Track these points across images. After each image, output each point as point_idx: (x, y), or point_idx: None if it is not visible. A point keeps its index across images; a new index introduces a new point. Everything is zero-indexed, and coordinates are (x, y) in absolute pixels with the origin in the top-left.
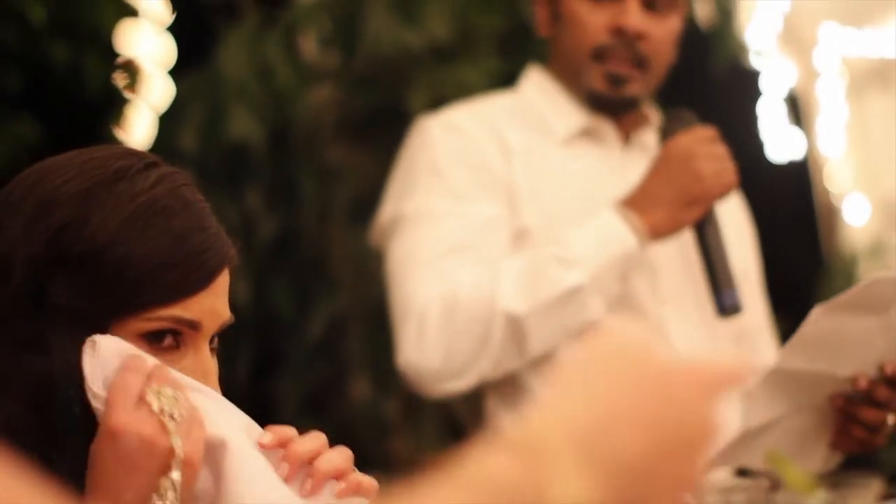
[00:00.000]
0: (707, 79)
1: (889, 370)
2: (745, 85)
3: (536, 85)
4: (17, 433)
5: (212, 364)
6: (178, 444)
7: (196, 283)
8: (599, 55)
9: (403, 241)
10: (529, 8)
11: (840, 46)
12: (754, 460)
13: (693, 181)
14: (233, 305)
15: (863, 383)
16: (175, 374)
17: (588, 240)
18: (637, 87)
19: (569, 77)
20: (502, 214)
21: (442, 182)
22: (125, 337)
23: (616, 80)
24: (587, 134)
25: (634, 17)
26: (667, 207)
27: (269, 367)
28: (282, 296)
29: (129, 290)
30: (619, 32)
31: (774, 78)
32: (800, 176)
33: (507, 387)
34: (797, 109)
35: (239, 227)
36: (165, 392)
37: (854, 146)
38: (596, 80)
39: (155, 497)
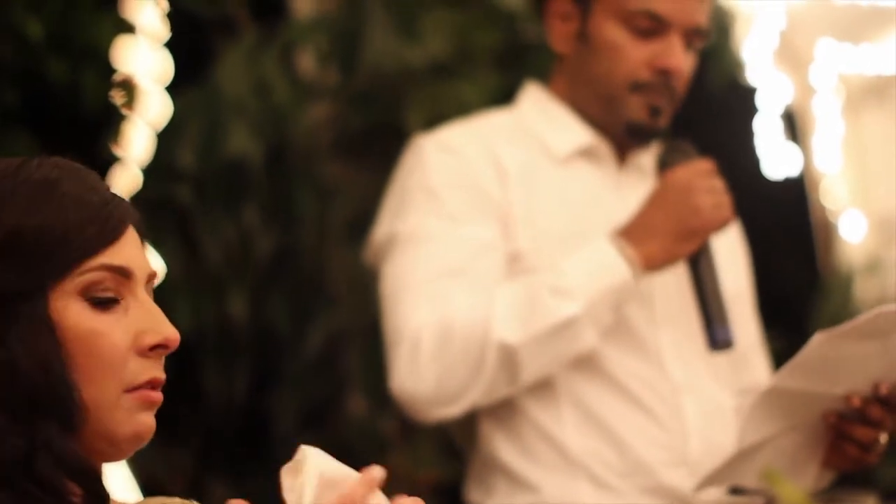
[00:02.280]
0: (704, 95)
1: (883, 390)
2: (742, 101)
3: (535, 102)
4: None
5: (156, 307)
6: None
7: (111, 230)
8: (638, 88)
9: (397, 262)
10: (528, 24)
11: (836, 63)
12: (749, 479)
13: (690, 214)
14: (231, 321)
15: (856, 402)
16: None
17: (583, 269)
18: (666, 118)
19: (583, 98)
20: (497, 237)
21: (436, 203)
22: (67, 301)
23: (655, 112)
24: (585, 153)
25: (679, 59)
26: (663, 240)
27: (266, 384)
28: (279, 312)
29: (53, 256)
30: (662, 72)
31: (771, 94)
32: (796, 192)
33: (502, 410)
34: (793, 126)
35: (237, 243)
36: None
37: (850, 162)
38: (637, 111)
39: None
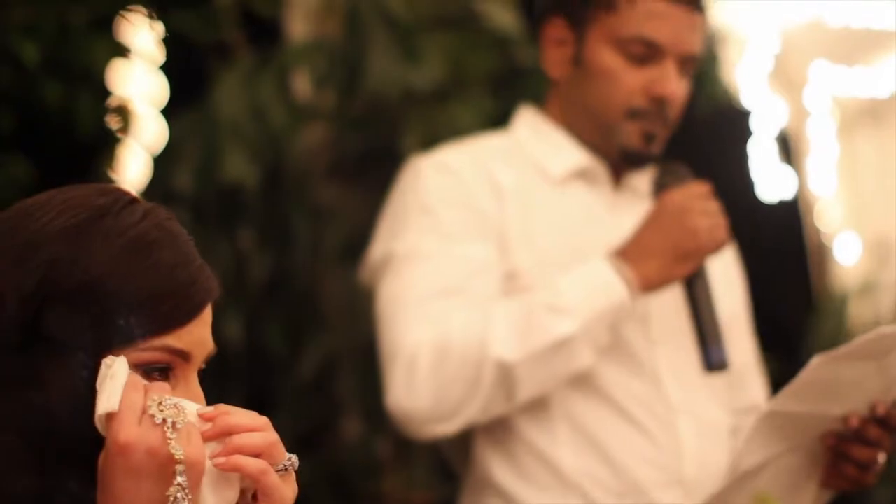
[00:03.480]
0: (698, 119)
1: (880, 410)
2: (736, 124)
3: (530, 125)
4: (16, 470)
5: (201, 394)
6: (179, 450)
7: (186, 313)
8: (634, 115)
9: (394, 281)
10: (523, 48)
11: (831, 85)
12: (748, 499)
13: (687, 236)
14: (225, 344)
15: (854, 422)
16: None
17: (580, 288)
18: (660, 144)
19: (578, 121)
20: (493, 256)
21: (433, 222)
22: None
23: (650, 138)
24: (580, 175)
25: (674, 86)
26: (659, 261)
27: (261, 406)
28: (274, 335)
29: (121, 323)
30: (657, 99)
31: (765, 117)
32: (790, 215)
33: (497, 429)
34: (788, 148)
35: (232, 266)
36: (167, 403)
37: (845, 185)
38: (632, 138)
39: None
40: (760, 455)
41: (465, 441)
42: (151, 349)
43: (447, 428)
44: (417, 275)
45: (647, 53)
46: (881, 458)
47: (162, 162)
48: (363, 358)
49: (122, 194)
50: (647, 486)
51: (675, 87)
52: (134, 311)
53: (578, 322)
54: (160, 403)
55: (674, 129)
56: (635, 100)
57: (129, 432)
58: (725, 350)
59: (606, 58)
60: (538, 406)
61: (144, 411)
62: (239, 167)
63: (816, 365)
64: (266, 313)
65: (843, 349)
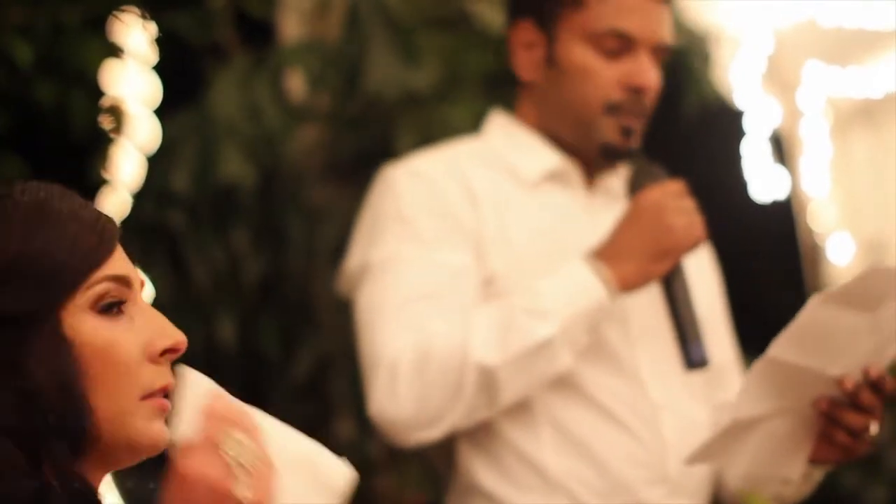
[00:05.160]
0: (691, 118)
1: (873, 374)
2: (729, 124)
3: (502, 129)
4: (6, 454)
5: (155, 311)
6: (244, 493)
7: (108, 241)
8: (612, 109)
9: (372, 290)
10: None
11: (824, 85)
12: (737, 458)
13: (663, 234)
14: (219, 345)
15: (849, 385)
16: (249, 410)
17: (558, 291)
18: (638, 137)
19: (554, 122)
20: (470, 261)
21: (409, 229)
22: (79, 316)
23: (628, 133)
24: (553, 177)
25: (649, 76)
26: (637, 260)
27: (254, 407)
28: (268, 336)
29: (60, 272)
30: (634, 90)
31: (758, 117)
32: (784, 215)
33: (480, 433)
34: (781, 149)
35: (226, 267)
36: (240, 440)
37: (838, 185)
38: (611, 133)
39: None
40: (755, 408)
41: (449, 445)
42: (97, 283)
43: (431, 434)
44: (396, 282)
45: (620, 46)
46: (873, 426)
47: (157, 162)
48: (356, 359)
49: (13, 185)
50: (633, 484)
51: (651, 77)
52: (64, 260)
53: (558, 324)
54: (235, 440)
55: (649, 121)
56: (613, 93)
57: (194, 464)
58: (705, 347)
59: (580, 55)
60: (521, 409)
61: (218, 443)
62: (236, 168)
63: (813, 305)
64: (260, 314)
65: (838, 287)
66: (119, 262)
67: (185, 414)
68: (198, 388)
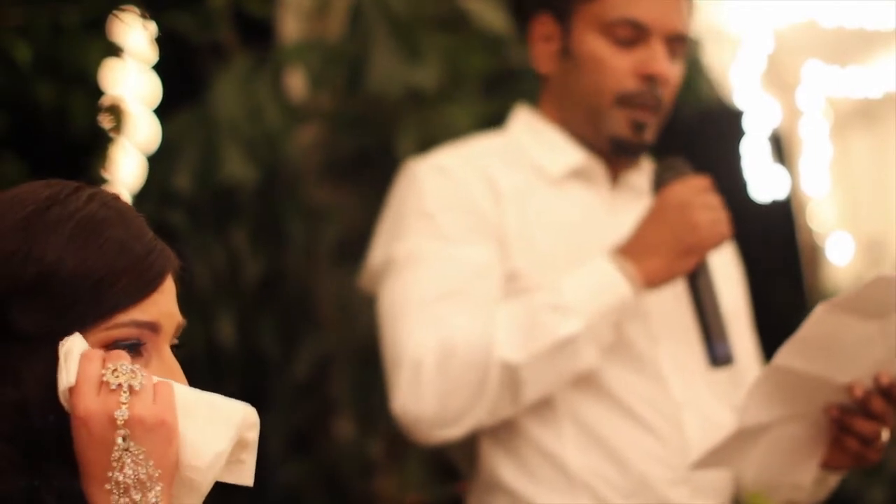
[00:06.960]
0: (691, 118)
1: (884, 381)
2: (729, 124)
3: (526, 125)
4: (2, 468)
5: (176, 364)
6: (122, 413)
7: (147, 284)
8: (624, 101)
9: (395, 286)
10: (516, 49)
11: (824, 85)
12: (746, 463)
13: (688, 231)
14: (219, 345)
15: (859, 392)
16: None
17: (583, 287)
18: (652, 132)
19: (571, 116)
20: (493, 258)
21: (432, 225)
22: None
23: (639, 127)
24: (577, 174)
25: (663, 64)
26: (662, 256)
27: (254, 407)
28: (267, 335)
29: (85, 303)
30: (647, 79)
31: (758, 117)
32: (783, 215)
33: (502, 430)
34: (780, 148)
35: (225, 267)
36: (122, 368)
37: (838, 185)
38: (621, 126)
39: (111, 472)
40: (763, 414)
41: (471, 442)
42: (119, 326)
43: (454, 432)
44: (418, 278)
45: (633, 35)
46: (885, 433)
47: (157, 162)
48: (356, 359)
49: (68, 184)
50: (656, 483)
51: (664, 65)
52: (94, 291)
53: (583, 321)
54: (115, 370)
55: (666, 115)
56: (625, 83)
57: (88, 403)
58: (730, 344)
59: (593, 44)
60: (544, 406)
61: (102, 380)
62: (237, 168)
63: (820, 313)
64: (260, 314)
65: (843, 296)
66: (154, 306)
67: (65, 366)
68: (71, 343)
